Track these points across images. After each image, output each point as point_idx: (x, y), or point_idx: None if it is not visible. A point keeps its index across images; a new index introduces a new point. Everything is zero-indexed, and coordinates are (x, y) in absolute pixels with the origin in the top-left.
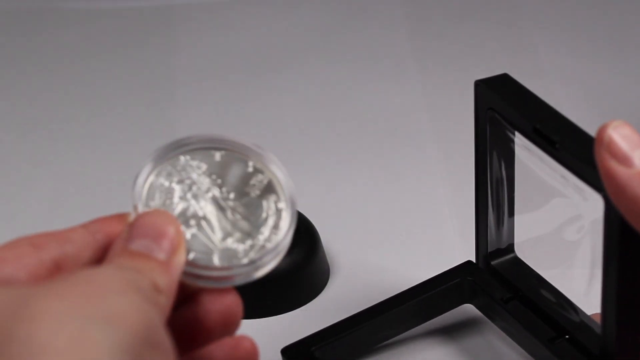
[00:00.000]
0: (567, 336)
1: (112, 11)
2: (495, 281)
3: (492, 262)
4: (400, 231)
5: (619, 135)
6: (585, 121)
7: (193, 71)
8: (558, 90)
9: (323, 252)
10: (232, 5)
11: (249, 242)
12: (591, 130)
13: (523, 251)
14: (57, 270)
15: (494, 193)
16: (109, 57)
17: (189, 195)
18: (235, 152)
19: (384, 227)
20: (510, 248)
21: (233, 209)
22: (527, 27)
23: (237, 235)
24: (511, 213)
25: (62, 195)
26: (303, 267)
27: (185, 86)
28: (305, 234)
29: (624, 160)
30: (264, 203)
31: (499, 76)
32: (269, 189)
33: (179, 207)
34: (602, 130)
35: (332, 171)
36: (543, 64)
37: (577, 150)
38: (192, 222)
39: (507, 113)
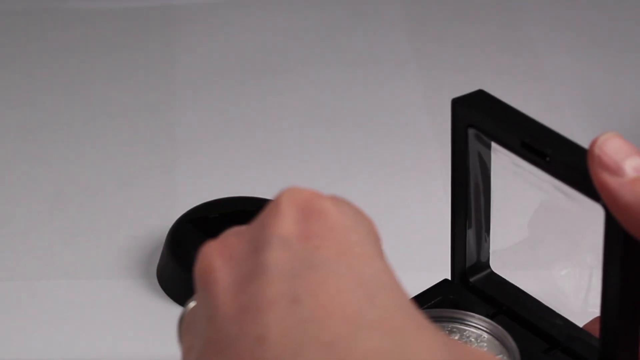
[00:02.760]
0: (559, 347)
1: (112, 11)
2: (477, 298)
3: (471, 279)
4: (400, 233)
5: (609, 148)
6: (586, 121)
7: (193, 71)
8: (558, 91)
9: None
10: (232, 5)
11: None
12: (591, 132)
13: (499, 266)
14: None
15: (471, 210)
16: (109, 57)
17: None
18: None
19: (384, 229)
20: (486, 264)
21: None
22: (527, 27)
23: None
24: (488, 229)
25: (62, 195)
26: None
27: (185, 86)
28: None
29: (616, 170)
30: None
31: (476, 92)
32: None
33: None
34: (592, 144)
35: (332, 171)
36: (543, 64)
37: (570, 162)
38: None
39: (490, 129)
